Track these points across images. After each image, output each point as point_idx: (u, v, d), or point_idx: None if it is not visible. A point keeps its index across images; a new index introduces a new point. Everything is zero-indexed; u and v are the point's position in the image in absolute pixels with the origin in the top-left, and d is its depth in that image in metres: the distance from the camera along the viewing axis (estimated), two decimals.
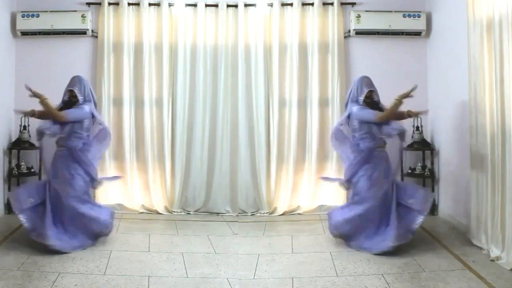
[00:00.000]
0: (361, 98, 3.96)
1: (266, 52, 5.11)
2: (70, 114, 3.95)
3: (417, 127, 5.06)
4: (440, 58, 4.92)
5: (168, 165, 5.09)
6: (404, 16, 5.07)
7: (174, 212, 5.04)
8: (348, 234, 3.81)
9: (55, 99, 5.06)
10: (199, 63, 5.10)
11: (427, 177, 5.03)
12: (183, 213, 5.05)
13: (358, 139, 3.98)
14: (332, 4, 5.11)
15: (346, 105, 4.13)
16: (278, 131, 5.09)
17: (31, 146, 4.93)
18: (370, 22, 5.10)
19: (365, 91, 3.95)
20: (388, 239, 3.59)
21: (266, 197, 5.07)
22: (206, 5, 5.12)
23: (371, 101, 3.99)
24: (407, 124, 5.06)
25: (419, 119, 5.06)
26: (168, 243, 3.91)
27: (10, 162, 4.90)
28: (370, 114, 3.92)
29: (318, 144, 5.07)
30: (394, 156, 5.06)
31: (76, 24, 5.04)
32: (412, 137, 5.06)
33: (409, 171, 5.07)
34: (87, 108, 4.01)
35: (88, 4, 5.13)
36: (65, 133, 3.95)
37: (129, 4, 5.09)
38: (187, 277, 3.18)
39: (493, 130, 3.64)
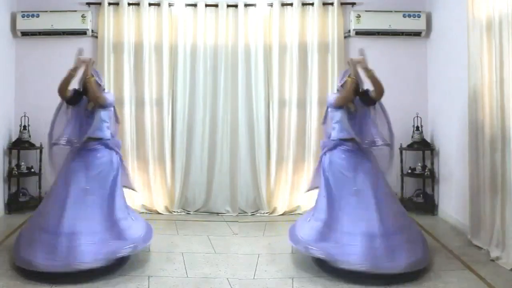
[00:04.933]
0: (339, 84, 3.64)
1: (266, 52, 5.11)
2: (108, 96, 3.60)
3: (417, 127, 5.06)
4: (440, 58, 4.92)
5: (168, 165, 5.09)
6: (404, 16, 5.07)
7: (174, 212, 5.04)
8: None
9: (55, 99, 5.08)
10: (199, 63, 5.10)
11: (427, 177, 5.03)
12: (183, 213, 5.05)
13: (330, 129, 3.65)
14: (332, 4, 5.11)
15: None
16: (278, 131, 5.10)
17: (31, 146, 4.94)
18: (370, 22, 5.10)
19: (346, 77, 3.58)
20: None
21: (266, 197, 5.07)
22: (206, 5, 5.12)
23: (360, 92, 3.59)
24: (407, 125, 5.09)
25: (419, 119, 5.07)
26: (168, 243, 3.91)
27: (10, 162, 4.90)
28: (330, 97, 3.62)
29: (317, 144, 5.06)
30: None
31: (76, 24, 5.04)
32: (412, 137, 5.06)
33: (409, 171, 5.07)
34: (112, 94, 3.77)
35: (88, 4, 5.14)
36: (91, 122, 3.49)
37: (129, 4, 5.10)
38: (187, 277, 3.18)
39: (493, 130, 3.64)
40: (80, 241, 3.05)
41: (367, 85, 3.59)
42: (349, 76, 3.53)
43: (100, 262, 3.04)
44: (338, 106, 3.55)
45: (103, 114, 3.55)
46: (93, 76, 3.47)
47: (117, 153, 3.61)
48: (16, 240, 3.37)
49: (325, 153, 3.61)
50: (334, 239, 3.19)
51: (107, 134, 3.58)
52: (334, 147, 3.57)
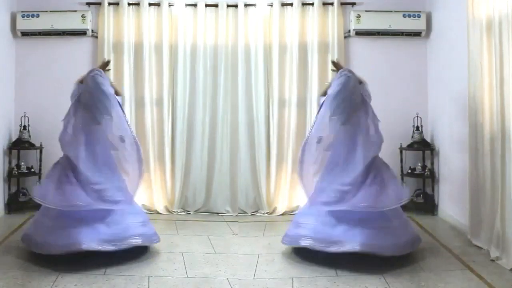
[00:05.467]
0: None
1: (266, 52, 5.11)
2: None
3: (417, 127, 5.06)
4: (440, 58, 4.92)
5: (168, 165, 5.09)
6: (404, 16, 5.07)
7: (174, 212, 5.04)
8: None
9: (55, 99, 5.10)
10: (199, 63, 5.10)
11: (427, 177, 5.03)
12: (183, 213, 5.05)
13: None
14: (332, 4, 5.11)
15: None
16: (278, 131, 5.10)
17: (31, 146, 4.94)
18: (370, 22, 5.10)
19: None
20: None
21: (266, 197, 5.07)
22: (206, 5, 5.12)
23: None
24: (407, 125, 5.10)
25: (419, 119, 5.07)
26: (168, 243, 3.91)
27: (10, 162, 4.90)
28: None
29: None
30: (393, 155, 5.10)
31: (76, 24, 5.04)
32: (412, 137, 5.06)
33: (409, 171, 5.07)
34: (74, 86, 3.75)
35: (88, 4, 5.14)
36: None
37: (129, 4, 5.10)
38: (187, 277, 3.18)
39: (493, 130, 3.64)
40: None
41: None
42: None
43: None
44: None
45: None
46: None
47: None
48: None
49: None
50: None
51: None
52: None
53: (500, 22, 3.51)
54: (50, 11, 5.01)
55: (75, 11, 5.06)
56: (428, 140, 5.11)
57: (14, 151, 4.94)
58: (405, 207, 4.95)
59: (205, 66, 5.11)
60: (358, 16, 5.10)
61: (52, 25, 4.99)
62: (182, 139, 5.11)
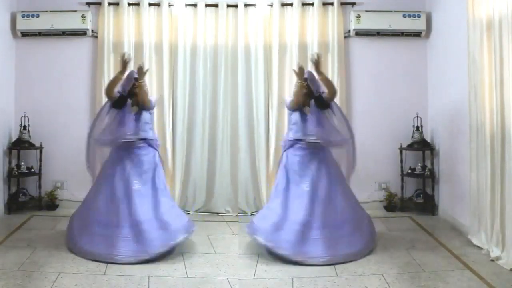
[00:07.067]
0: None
1: (266, 52, 5.11)
2: (153, 99, 4.03)
3: (417, 127, 5.06)
4: (440, 58, 4.92)
5: (168, 165, 5.09)
6: (404, 16, 5.07)
7: None
8: None
9: (55, 99, 5.10)
10: (199, 63, 5.10)
11: (427, 177, 5.03)
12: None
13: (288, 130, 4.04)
14: (332, 4, 5.11)
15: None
16: (278, 131, 5.09)
17: (31, 146, 4.94)
18: (370, 22, 5.10)
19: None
20: None
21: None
22: (206, 5, 5.12)
23: (310, 92, 3.91)
24: (407, 125, 5.10)
25: (419, 119, 5.07)
26: None
27: (10, 162, 4.90)
28: (287, 101, 4.02)
29: None
30: (393, 155, 5.10)
31: (76, 24, 5.04)
32: (412, 137, 5.06)
33: (409, 171, 5.07)
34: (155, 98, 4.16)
35: (88, 4, 5.13)
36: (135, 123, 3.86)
37: (129, 4, 5.10)
38: (187, 277, 3.18)
39: (493, 130, 3.64)
40: (144, 228, 3.47)
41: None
42: (297, 81, 3.94)
43: (165, 247, 3.45)
44: (293, 109, 3.93)
45: (147, 116, 3.93)
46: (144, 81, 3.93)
47: (157, 151, 4.02)
48: (71, 232, 3.70)
49: (284, 151, 3.97)
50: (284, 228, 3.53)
51: (150, 134, 3.95)
52: (291, 146, 3.92)
53: (500, 22, 3.51)
54: (50, 11, 5.01)
55: (75, 11, 5.06)
56: (428, 140, 5.11)
57: (14, 151, 4.94)
58: (405, 207, 5.01)
59: (205, 66, 5.11)
60: (358, 16, 5.10)
61: (52, 25, 4.99)
62: (182, 139, 5.11)
